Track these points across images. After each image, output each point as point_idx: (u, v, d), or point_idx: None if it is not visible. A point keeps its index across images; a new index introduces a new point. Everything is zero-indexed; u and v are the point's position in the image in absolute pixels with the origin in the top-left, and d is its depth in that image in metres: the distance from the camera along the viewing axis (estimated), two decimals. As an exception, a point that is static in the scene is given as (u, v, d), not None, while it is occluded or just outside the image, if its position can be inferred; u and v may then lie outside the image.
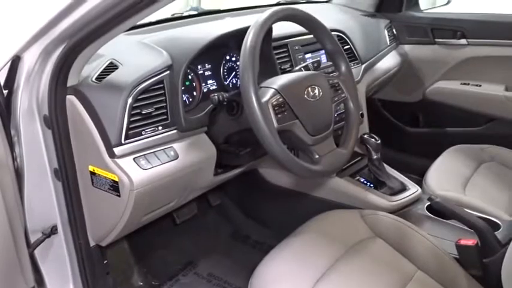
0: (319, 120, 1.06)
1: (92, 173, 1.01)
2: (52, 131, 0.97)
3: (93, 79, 0.99)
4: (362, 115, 1.67)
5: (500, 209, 1.31)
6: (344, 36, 1.64)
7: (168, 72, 1.03)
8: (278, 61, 1.31)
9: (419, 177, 1.55)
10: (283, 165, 0.97)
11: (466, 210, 1.14)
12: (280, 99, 0.99)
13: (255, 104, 0.92)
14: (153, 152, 1.02)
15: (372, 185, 1.45)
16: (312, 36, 1.19)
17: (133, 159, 0.98)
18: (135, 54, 1.10)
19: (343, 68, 1.17)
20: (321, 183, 1.47)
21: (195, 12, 1.60)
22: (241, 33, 1.01)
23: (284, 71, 1.31)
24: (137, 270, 1.47)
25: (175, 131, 1.05)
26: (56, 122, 0.96)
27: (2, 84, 0.92)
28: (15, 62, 0.91)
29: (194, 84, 1.16)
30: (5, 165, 0.87)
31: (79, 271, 1.12)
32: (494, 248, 1.01)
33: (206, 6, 2.82)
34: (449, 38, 1.94)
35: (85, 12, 0.79)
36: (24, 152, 0.97)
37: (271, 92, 0.99)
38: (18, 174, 0.98)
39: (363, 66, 1.70)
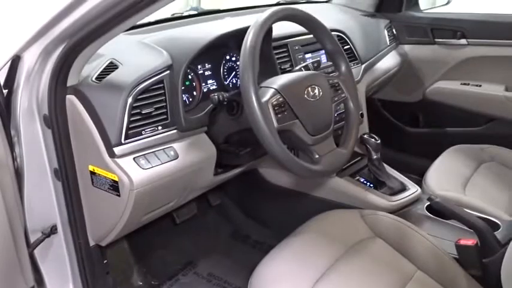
0: (319, 120, 1.06)
1: (92, 173, 1.01)
2: (52, 131, 0.97)
3: (93, 79, 0.99)
4: (362, 115, 1.67)
5: (500, 209, 1.31)
6: (344, 36, 1.64)
7: (168, 72, 1.03)
8: (278, 61, 1.31)
9: (419, 177, 1.55)
10: (283, 165, 0.97)
11: (465, 210, 1.14)
12: (280, 99, 0.99)
13: (255, 104, 0.92)
14: (153, 151, 1.02)
15: (371, 185, 1.45)
16: (312, 36, 1.19)
17: (133, 159, 0.98)
18: (135, 54, 1.10)
19: (343, 68, 1.17)
20: (321, 183, 1.47)
21: (195, 12, 1.60)
22: (241, 33, 1.01)
23: (284, 71, 1.31)
24: (137, 270, 1.47)
25: (175, 130, 1.05)
26: (56, 121, 0.96)
27: (2, 83, 0.92)
28: (15, 61, 0.91)
29: (194, 84, 1.16)
30: (5, 165, 0.87)
31: (79, 271, 1.12)
32: (494, 248, 1.01)
33: (206, 6, 2.82)
34: (449, 38, 1.94)
35: (85, 12, 0.79)
36: (24, 152, 0.97)
37: (271, 91, 0.99)
38: (18, 174, 0.98)
39: (363, 66, 1.70)
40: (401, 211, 1.36)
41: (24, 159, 0.97)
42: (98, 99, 0.96)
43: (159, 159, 1.02)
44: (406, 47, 2.09)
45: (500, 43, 1.83)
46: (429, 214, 1.31)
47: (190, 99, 1.15)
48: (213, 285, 1.49)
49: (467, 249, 1.04)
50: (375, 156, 1.41)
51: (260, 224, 1.72)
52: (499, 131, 1.90)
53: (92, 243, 1.13)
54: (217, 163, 1.18)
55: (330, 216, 1.18)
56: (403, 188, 1.42)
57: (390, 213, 1.20)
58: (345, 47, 1.63)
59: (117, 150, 0.96)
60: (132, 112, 0.97)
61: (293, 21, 1.12)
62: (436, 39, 1.98)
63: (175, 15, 1.54)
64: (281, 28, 1.23)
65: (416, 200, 1.39)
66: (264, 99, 0.97)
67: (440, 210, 1.17)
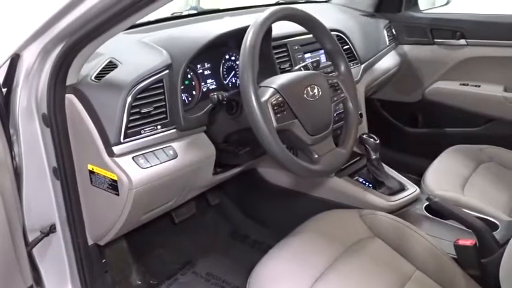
0: (319, 120, 1.06)
1: (91, 172, 1.01)
2: (51, 130, 0.97)
3: (92, 78, 0.99)
4: (361, 115, 1.67)
5: (498, 209, 1.31)
6: (343, 36, 1.64)
7: (167, 71, 1.03)
8: (277, 61, 1.31)
9: (418, 177, 1.56)
10: (282, 164, 0.97)
11: (464, 210, 1.14)
12: (280, 99, 0.99)
13: (255, 104, 0.92)
14: (152, 151, 1.02)
15: (370, 185, 1.45)
16: (311, 36, 1.19)
17: (132, 158, 0.98)
18: (134, 53, 1.10)
19: (342, 68, 1.17)
20: (320, 182, 1.47)
21: (195, 12, 1.60)
22: (241, 32, 1.01)
23: (283, 71, 1.31)
24: (136, 269, 1.47)
25: (174, 130, 1.05)
26: (55, 120, 0.96)
27: (1, 82, 0.92)
28: (15, 60, 0.91)
29: (193, 83, 1.16)
30: (3, 164, 0.87)
31: (77, 270, 1.12)
32: (492, 248, 1.01)
33: (205, 5, 2.82)
34: (449, 38, 1.94)
35: (85, 11, 0.79)
36: (23, 151, 0.97)
37: (270, 91, 0.99)
38: (17, 173, 0.98)
39: (362, 66, 1.70)
40: (400, 211, 1.36)
41: (23, 158, 0.97)
42: (97, 98, 0.96)
43: (158, 158, 1.02)
44: (406, 47, 2.09)
45: (499, 43, 1.83)
46: (428, 214, 1.31)
47: (190, 99, 1.15)
48: (211, 284, 1.49)
49: (465, 249, 1.05)
50: (374, 156, 1.41)
51: (259, 223, 1.72)
52: (497, 131, 1.91)
53: (90, 242, 1.13)
54: (217, 162, 1.18)
55: (329, 216, 1.18)
56: (402, 188, 1.42)
57: (389, 213, 1.21)
58: (345, 47, 1.63)
59: (116, 149, 0.96)
60: (131, 111, 0.97)
61: (292, 21, 1.12)
62: (436, 40, 1.99)
63: (175, 15, 1.54)
64: (280, 28, 1.23)
65: (415, 200, 1.39)
66: (264, 98, 0.97)
67: (439, 210, 1.17)
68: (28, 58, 0.91)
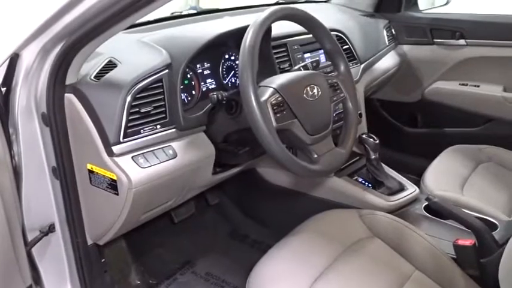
0: (318, 120, 1.06)
1: (90, 172, 1.01)
2: (50, 129, 0.97)
3: (92, 77, 0.99)
4: (360, 115, 1.67)
5: (497, 209, 1.31)
6: (343, 36, 1.64)
7: (167, 71, 1.03)
8: (277, 60, 1.31)
9: (417, 177, 1.56)
10: (281, 164, 0.97)
11: (463, 210, 1.14)
12: (279, 99, 0.99)
13: (254, 103, 0.92)
14: (152, 150, 1.02)
15: (370, 185, 1.45)
16: (311, 35, 1.19)
17: (132, 157, 0.98)
18: (134, 53, 1.10)
19: (342, 68, 1.17)
20: (319, 182, 1.47)
21: (194, 11, 1.60)
22: (241, 32, 1.01)
23: (283, 71, 1.31)
24: (135, 269, 1.47)
25: (174, 129, 1.05)
26: (54, 120, 0.96)
27: (0, 82, 0.92)
28: (14, 59, 0.91)
29: (193, 83, 1.16)
30: (3, 163, 0.87)
31: (76, 269, 1.12)
32: (492, 248, 1.01)
33: (205, 5, 2.82)
34: (448, 38, 1.94)
35: (84, 10, 0.79)
36: (22, 150, 0.97)
37: (270, 91, 0.99)
38: (16, 173, 0.97)
39: (362, 66, 1.70)
40: (400, 211, 1.36)
41: (22, 158, 0.97)
42: (96, 97, 0.96)
43: (157, 158, 1.01)
44: (405, 47, 2.09)
45: (499, 44, 1.83)
46: (427, 214, 1.31)
47: (189, 98, 1.15)
48: (211, 284, 1.49)
49: (465, 249, 1.05)
50: (373, 156, 1.41)
51: (258, 223, 1.72)
52: (497, 131, 1.91)
53: (89, 242, 1.13)
54: (216, 162, 1.18)
55: (328, 215, 1.18)
56: (401, 188, 1.42)
57: (388, 213, 1.21)
58: (344, 47, 1.63)
59: (115, 149, 0.96)
60: (131, 111, 0.97)
61: (292, 21, 1.12)
62: (435, 40, 1.99)
63: (175, 14, 1.54)
64: (280, 27, 1.23)
65: (414, 200, 1.39)
66: (263, 98, 0.97)
67: (438, 210, 1.18)
68: (27, 57, 0.91)
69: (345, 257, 1.02)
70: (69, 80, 0.95)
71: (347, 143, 1.14)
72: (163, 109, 1.03)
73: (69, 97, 0.96)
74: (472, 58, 1.91)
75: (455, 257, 1.07)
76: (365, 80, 1.74)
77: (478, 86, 1.91)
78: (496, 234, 1.11)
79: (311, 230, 1.12)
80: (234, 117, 1.12)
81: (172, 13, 1.56)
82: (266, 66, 1.21)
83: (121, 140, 0.96)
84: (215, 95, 1.07)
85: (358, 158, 1.57)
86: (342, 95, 1.14)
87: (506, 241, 0.83)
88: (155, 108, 1.01)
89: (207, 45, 1.11)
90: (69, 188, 1.03)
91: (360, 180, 1.47)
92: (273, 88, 1.00)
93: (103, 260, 1.22)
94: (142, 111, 0.98)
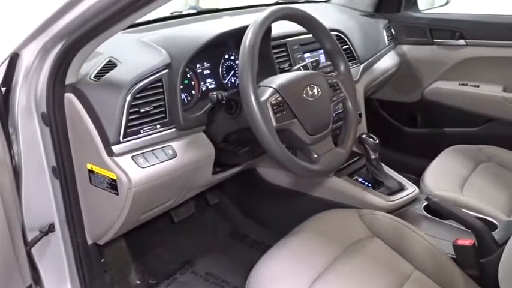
0: (318, 120, 1.06)
1: (90, 171, 1.01)
2: (50, 129, 0.97)
3: (92, 77, 0.99)
4: (360, 115, 1.67)
5: (497, 209, 1.31)
6: (343, 36, 1.64)
7: (166, 70, 1.03)
8: (277, 60, 1.31)
9: (417, 177, 1.56)
10: (281, 164, 0.97)
11: (463, 210, 1.14)
12: (279, 98, 0.99)
13: (254, 103, 0.92)
14: (152, 150, 1.02)
15: (369, 185, 1.45)
16: (310, 35, 1.19)
17: (132, 157, 0.98)
18: (133, 53, 1.10)
19: (341, 68, 1.17)
20: (319, 182, 1.47)
21: (194, 11, 1.60)
22: (240, 32, 1.01)
23: (283, 71, 1.31)
24: (135, 268, 1.47)
25: (173, 129, 1.05)
26: (54, 119, 0.96)
27: (0, 81, 0.92)
28: (14, 59, 0.91)
29: (193, 83, 1.16)
30: (3, 163, 0.87)
31: (76, 269, 1.12)
32: (491, 248, 1.01)
33: (205, 5, 2.82)
34: (448, 38, 1.94)
35: (84, 10, 0.79)
36: (22, 150, 0.97)
37: (270, 91, 0.99)
38: (16, 172, 0.97)
39: (362, 66, 1.70)
40: (399, 211, 1.36)
41: (22, 157, 0.97)
42: (96, 97, 0.96)
43: (157, 158, 1.01)
44: (405, 47, 2.09)
45: (498, 44, 1.83)
46: (427, 214, 1.31)
47: (189, 98, 1.15)
48: (210, 284, 1.49)
49: (464, 249, 1.05)
50: (373, 156, 1.41)
51: (258, 223, 1.72)
52: (497, 131, 1.91)
53: (89, 241, 1.13)
54: (216, 162, 1.18)
55: (328, 215, 1.18)
56: (401, 188, 1.42)
57: (388, 213, 1.21)
58: (344, 47, 1.63)
59: (115, 148, 0.96)
60: (131, 111, 0.96)
61: (292, 21, 1.12)
62: (435, 40, 1.99)
63: (174, 14, 1.54)
64: (280, 27, 1.23)
65: (414, 200, 1.39)
66: (263, 98, 0.97)
67: (438, 210, 1.18)
68: (27, 57, 0.91)
69: (345, 257, 1.02)
70: (69, 79, 0.95)
71: (347, 143, 1.14)
72: (163, 109, 1.03)
73: (69, 97, 0.96)
74: (472, 58, 1.91)
75: (455, 257, 1.07)
76: (365, 80, 1.74)
77: (478, 86, 1.91)
78: (496, 234, 1.11)
79: (311, 230, 1.12)
80: (233, 117, 1.12)
81: (172, 13, 1.56)
82: (266, 66, 1.21)
83: (121, 139, 0.96)
84: (215, 95, 1.07)
85: (357, 158, 1.57)
86: (341, 95, 1.14)
87: (506, 241, 0.83)
88: (155, 108, 1.01)
89: (207, 45, 1.11)
90: (69, 188, 1.03)
91: (360, 180, 1.47)
92: (273, 88, 1.00)
93: (103, 260, 1.22)
94: (142, 111, 0.98)
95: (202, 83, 1.18)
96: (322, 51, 1.49)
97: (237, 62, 1.24)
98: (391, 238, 1.09)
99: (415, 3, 2.14)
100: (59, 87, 0.94)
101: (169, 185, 1.08)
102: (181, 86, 1.08)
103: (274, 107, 0.97)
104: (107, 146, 0.95)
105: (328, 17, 1.65)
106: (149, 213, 1.14)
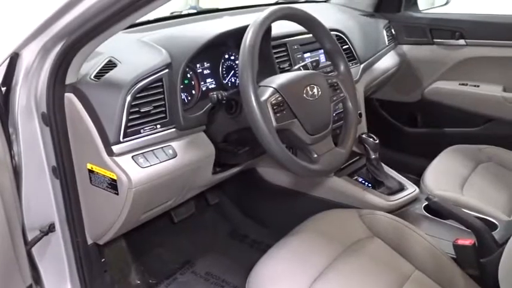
0: (318, 120, 1.06)
1: (90, 171, 1.01)
2: (50, 129, 0.97)
3: (92, 77, 0.99)
4: (360, 115, 1.67)
5: (497, 209, 1.31)
6: (343, 36, 1.64)
7: (167, 70, 1.03)
8: (277, 60, 1.31)
9: (417, 177, 1.56)
10: (281, 164, 0.97)
11: (463, 210, 1.14)
12: (279, 98, 0.99)
13: (254, 103, 0.92)
14: (152, 150, 1.02)
15: (369, 185, 1.45)
16: (311, 35, 1.19)
17: (132, 157, 0.98)
18: (134, 52, 1.10)
19: (342, 68, 1.17)
20: (319, 182, 1.47)
21: (194, 11, 1.60)
22: (240, 32, 1.01)
23: (283, 70, 1.31)
24: (135, 268, 1.47)
25: (173, 129, 1.05)
26: (54, 119, 0.96)
27: (0, 81, 0.92)
28: (14, 59, 0.91)
29: (193, 82, 1.16)
30: (3, 163, 0.87)
31: (76, 269, 1.12)
32: (492, 248, 1.01)
33: (205, 5, 2.82)
34: (448, 38, 1.94)
35: (84, 10, 0.79)
36: (22, 150, 0.97)
37: (270, 90, 0.99)
38: (16, 172, 0.97)
39: (362, 66, 1.70)
40: (399, 211, 1.36)
41: (23, 157, 0.97)
42: (96, 97, 0.96)
43: (157, 157, 1.01)
44: (405, 47, 2.09)
45: (498, 44, 1.83)
46: (427, 214, 1.31)
47: (189, 98, 1.15)
48: (210, 284, 1.49)
49: (465, 249, 1.05)
50: (373, 156, 1.41)
51: (258, 223, 1.72)
52: (497, 131, 1.91)
53: (89, 241, 1.13)
54: (216, 162, 1.18)
55: (328, 215, 1.18)
56: (401, 188, 1.42)
57: (388, 212, 1.21)
58: (344, 47, 1.63)
59: (115, 148, 0.96)
60: (131, 110, 0.97)
61: (292, 21, 1.12)
62: (435, 40, 1.99)
63: (175, 14, 1.54)
64: (280, 27, 1.23)
65: (414, 200, 1.40)
66: (263, 98, 0.97)
67: (438, 210, 1.18)
68: (27, 57, 0.91)
69: (345, 256, 1.02)
70: (69, 79, 0.95)
71: (347, 142, 1.14)
72: (163, 109, 1.03)
73: (69, 97, 0.96)
74: (472, 58, 1.91)
75: (455, 256, 1.07)
76: (365, 79, 1.74)
77: (478, 86, 1.91)
78: (496, 234, 1.11)
79: (311, 229, 1.12)
80: (233, 117, 1.12)
81: (172, 13, 1.56)
82: (266, 66, 1.21)
83: (121, 139, 0.96)
84: (215, 95, 1.07)
85: (358, 157, 1.57)
86: (341, 94, 1.14)
87: (506, 241, 0.83)
88: (155, 107, 1.01)
89: (207, 45, 1.11)
90: (69, 188, 1.03)
91: (360, 180, 1.47)
92: (273, 88, 1.00)
93: (103, 260, 1.22)
94: (142, 110, 0.98)
95: (202, 82, 1.18)
96: (322, 51, 1.49)
97: (237, 61, 1.24)
98: (391, 238, 1.09)
99: (415, 3, 2.14)
100: (59, 87, 0.94)
101: (170, 185, 1.08)
102: (182, 86, 1.08)
103: (275, 107, 0.97)
104: (107, 145, 0.95)
105: (328, 16, 1.65)
106: (149, 213, 1.14)
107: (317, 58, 1.42)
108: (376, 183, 1.44)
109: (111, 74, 1.00)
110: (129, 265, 1.46)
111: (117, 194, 0.99)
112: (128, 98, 0.96)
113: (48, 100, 0.93)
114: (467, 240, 1.05)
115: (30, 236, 1.03)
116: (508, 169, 1.54)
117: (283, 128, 0.99)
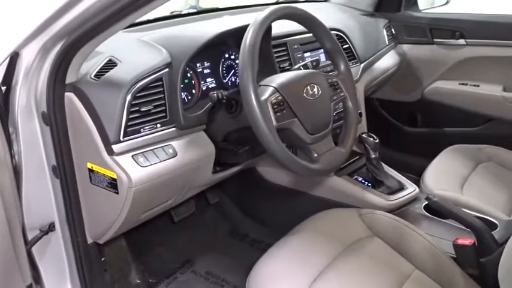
0: (318, 119, 1.06)
1: (90, 170, 1.01)
2: (50, 128, 0.97)
3: (92, 76, 0.99)
4: (360, 114, 1.67)
5: (497, 209, 1.31)
6: (343, 36, 1.64)
7: (167, 70, 1.03)
8: (277, 60, 1.31)
9: (417, 176, 1.56)
10: (281, 163, 0.97)
11: (463, 209, 1.14)
12: (280, 98, 0.99)
13: (254, 102, 0.92)
14: (152, 149, 1.02)
15: (369, 184, 1.45)
16: (311, 35, 1.19)
17: (132, 156, 0.98)
18: (134, 52, 1.10)
19: (342, 67, 1.17)
20: (319, 181, 1.47)
21: (194, 10, 1.60)
22: (241, 31, 1.01)
23: (283, 70, 1.31)
24: (135, 267, 1.47)
25: (174, 128, 1.05)
26: (54, 119, 0.96)
27: (0, 80, 0.92)
28: (14, 58, 0.91)
29: (193, 82, 1.16)
30: (3, 163, 0.87)
31: (76, 268, 1.12)
32: (491, 247, 1.01)
33: (205, 4, 2.82)
34: (448, 38, 1.94)
35: (84, 9, 0.79)
36: (22, 149, 0.97)
37: (270, 90, 0.99)
38: (17, 172, 0.97)
39: (362, 65, 1.70)
40: (399, 210, 1.36)
41: (23, 157, 0.97)
42: (96, 96, 0.96)
43: (157, 157, 1.01)
44: (405, 47, 2.09)
45: (498, 43, 1.83)
46: (427, 213, 1.31)
47: (189, 97, 1.15)
48: (210, 283, 1.49)
49: (464, 248, 1.05)
50: (373, 156, 1.41)
51: (258, 222, 1.72)
52: (497, 131, 1.91)
53: (89, 240, 1.13)
54: (216, 161, 1.18)
55: (328, 215, 1.18)
56: (401, 187, 1.42)
57: (388, 212, 1.21)
58: (344, 46, 1.63)
59: (115, 147, 0.96)
60: (131, 110, 0.97)
61: (292, 20, 1.12)
62: (435, 39, 1.99)
63: (175, 13, 1.54)
64: (280, 27, 1.23)
65: (414, 200, 1.40)
66: (263, 97, 0.97)
67: (438, 210, 1.18)
68: (27, 56, 0.91)
69: (345, 256, 1.02)
70: (69, 79, 0.95)
71: (347, 142, 1.14)
72: (164, 108, 1.03)
73: (69, 96, 0.96)
74: (472, 58, 1.91)
75: (455, 256, 1.07)
76: (365, 79, 1.74)
77: (478, 86, 1.91)
78: (496, 234, 1.11)
79: (311, 229, 1.12)
80: (234, 116, 1.11)
81: (172, 12, 1.56)
82: (266, 66, 1.21)
83: (121, 139, 0.96)
84: (215, 94, 1.07)
85: (358, 157, 1.57)
86: (342, 94, 1.14)
87: (506, 240, 0.83)
88: (155, 107, 1.01)
89: (207, 45, 1.11)
90: (69, 187, 1.03)
91: (360, 179, 1.47)
92: (273, 87, 1.00)
93: (103, 259, 1.22)
94: (142, 110, 0.98)
95: (202, 82, 1.18)
96: (322, 50, 1.49)
97: (237, 61, 1.24)
98: (391, 237, 1.09)
99: (415, 3, 2.14)
100: (59, 87, 0.94)
101: (170, 184, 1.08)
102: (182, 85, 1.08)
103: (275, 106, 0.97)
104: (107, 145, 0.95)
105: (328, 16, 1.65)
106: (149, 212, 1.14)
107: (317, 57, 1.42)
108: (376, 183, 1.44)
109: (111, 73, 1.00)
110: (129, 264, 1.46)
111: (117, 193, 0.99)
112: (128, 97, 0.96)
113: (48, 99, 0.93)
114: (467, 240, 1.05)
115: (30, 236, 1.03)
116: (508, 169, 1.54)
117: (284, 127, 0.99)
